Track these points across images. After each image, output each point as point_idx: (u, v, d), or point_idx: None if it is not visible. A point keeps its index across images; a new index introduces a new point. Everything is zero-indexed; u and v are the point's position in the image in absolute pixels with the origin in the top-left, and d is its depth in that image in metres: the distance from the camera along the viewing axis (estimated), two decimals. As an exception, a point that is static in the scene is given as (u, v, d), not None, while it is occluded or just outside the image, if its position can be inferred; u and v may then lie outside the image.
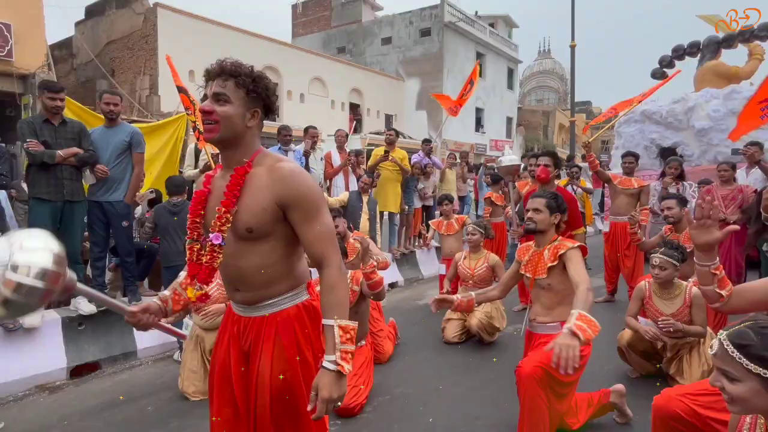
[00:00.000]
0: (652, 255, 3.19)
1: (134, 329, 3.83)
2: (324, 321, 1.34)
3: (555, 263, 2.37)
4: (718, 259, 1.57)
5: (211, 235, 1.40)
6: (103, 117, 4.00)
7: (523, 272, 2.58)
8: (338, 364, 1.27)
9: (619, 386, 2.69)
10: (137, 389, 3.28)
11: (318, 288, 1.45)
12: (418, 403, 3.03)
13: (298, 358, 1.43)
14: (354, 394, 2.88)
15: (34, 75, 9.85)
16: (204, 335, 3.34)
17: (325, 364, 1.29)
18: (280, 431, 1.43)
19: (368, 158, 6.88)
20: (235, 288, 1.47)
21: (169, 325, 1.68)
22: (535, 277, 2.46)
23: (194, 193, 1.53)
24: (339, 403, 1.29)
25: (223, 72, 1.38)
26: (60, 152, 3.48)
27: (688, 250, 3.16)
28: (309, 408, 1.28)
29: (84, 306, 3.68)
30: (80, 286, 1.39)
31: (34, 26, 10.47)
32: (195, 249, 1.47)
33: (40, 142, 3.47)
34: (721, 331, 1.18)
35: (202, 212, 1.47)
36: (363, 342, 3.28)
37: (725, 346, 1.13)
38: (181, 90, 4.61)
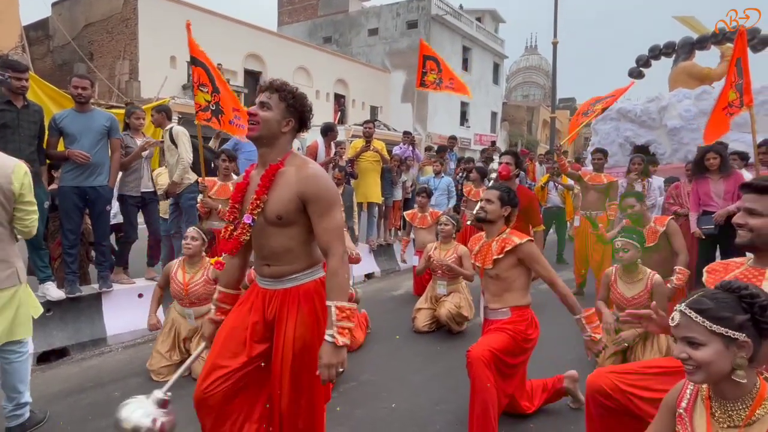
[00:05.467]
0: (615, 240, 3.38)
1: (104, 316, 3.90)
2: (326, 302, 1.63)
3: (501, 256, 2.47)
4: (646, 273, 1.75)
5: (244, 216, 1.74)
6: None
7: (473, 261, 2.70)
8: (334, 337, 1.56)
9: (572, 372, 2.81)
10: (105, 375, 3.29)
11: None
12: (383, 390, 3.12)
13: (316, 322, 1.74)
14: None
15: (8, 56, 9.56)
16: (181, 322, 3.38)
17: (326, 337, 1.58)
18: (298, 380, 1.74)
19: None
20: (266, 263, 1.77)
21: None
22: (484, 267, 2.56)
23: (236, 185, 1.87)
24: (341, 369, 1.58)
25: (272, 87, 1.71)
26: None
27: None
28: (317, 373, 1.57)
29: (52, 292, 3.67)
30: (165, 397, 1.71)
31: (8, 5, 10.16)
32: (229, 229, 1.81)
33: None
34: (677, 305, 1.26)
35: (241, 200, 1.79)
36: None
37: (687, 314, 1.20)
38: (197, 63, 4.25)
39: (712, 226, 4.31)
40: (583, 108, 6.23)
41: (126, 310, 4.03)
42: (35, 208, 2.32)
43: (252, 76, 18.12)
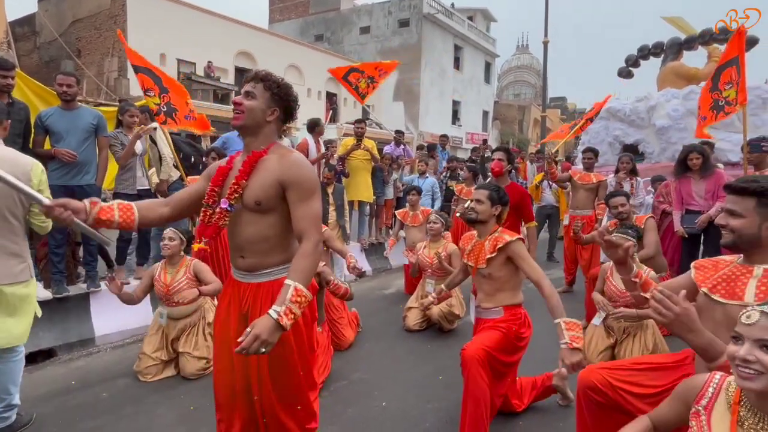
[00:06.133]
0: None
1: (92, 316, 3.86)
2: (286, 280, 1.55)
3: (494, 255, 2.47)
4: (635, 268, 1.85)
5: (221, 200, 1.71)
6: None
7: (465, 261, 2.70)
8: (279, 315, 1.46)
9: (561, 369, 2.83)
10: (93, 376, 3.26)
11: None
12: (374, 388, 3.12)
13: None
14: None
15: (-8, 53, 9.40)
16: (168, 324, 3.36)
17: (270, 311, 1.48)
18: (275, 379, 1.73)
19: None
20: (241, 255, 1.74)
21: (88, 227, 1.63)
22: (477, 267, 2.56)
23: (218, 167, 1.81)
24: (264, 350, 1.45)
25: (257, 76, 1.72)
26: None
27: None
28: (240, 339, 1.44)
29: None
30: None
31: (-8, 1, 9.98)
32: (207, 213, 1.75)
33: None
34: (752, 306, 1.20)
35: (221, 184, 1.75)
36: (320, 328, 3.32)
37: None
38: (139, 70, 4.30)
39: (695, 226, 4.39)
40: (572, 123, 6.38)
41: (114, 310, 3.97)
42: None
43: (243, 75, 17.96)
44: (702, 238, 4.56)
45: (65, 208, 1.55)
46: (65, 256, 4.08)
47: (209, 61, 16.31)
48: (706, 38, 8.48)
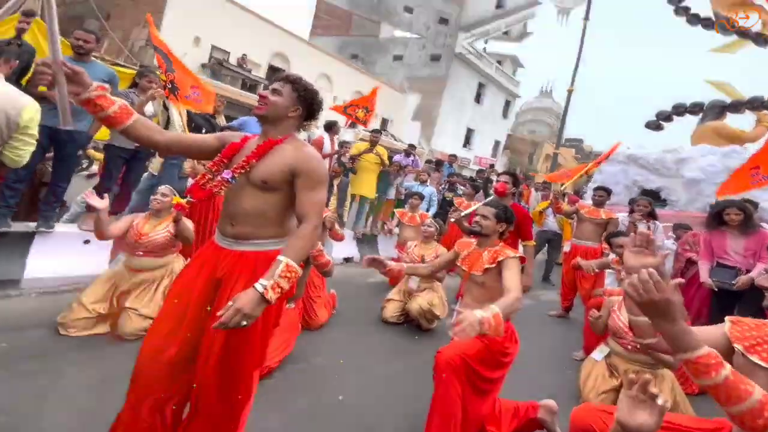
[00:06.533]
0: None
1: (29, 256, 3.40)
2: (278, 256, 1.53)
3: (492, 266, 2.34)
4: None
5: (224, 171, 1.72)
6: None
7: (459, 264, 2.53)
8: (265, 288, 1.44)
9: (550, 402, 2.32)
10: (1, 323, 2.72)
11: None
12: (333, 377, 2.70)
13: None
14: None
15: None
16: (124, 275, 2.99)
17: (256, 285, 1.45)
18: (226, 352, 1.61)
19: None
20: (231, 223, 1.72)
21: (66, 96, 1.64)
22: (471, 272, 2.42)
23: (230, 143, 1.82)
24: (244, 323, 1.42)
25: (287, 78, 1.78)
26: None
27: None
28: (219, 313, 1.42)
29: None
30: None
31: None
32: (206, 177, 1.76)
33: None
34: None
35: (231, 157, 1.77)
36: (292, 305, 3.01)
37: None
38: (158, 51, 4.72)
39: (729, 282, 4.06)
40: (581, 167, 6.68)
41: (59, 253, 3.56)
42: (35, 142, 2.36)
43: (274, 72, 18.04)
44: (737, 295, 4.20)
45: (74, 73, 1.56)
46: (23, 194, 3.70)
47: (244, 54, 16.37)
48: (755, 104, 8.50)
